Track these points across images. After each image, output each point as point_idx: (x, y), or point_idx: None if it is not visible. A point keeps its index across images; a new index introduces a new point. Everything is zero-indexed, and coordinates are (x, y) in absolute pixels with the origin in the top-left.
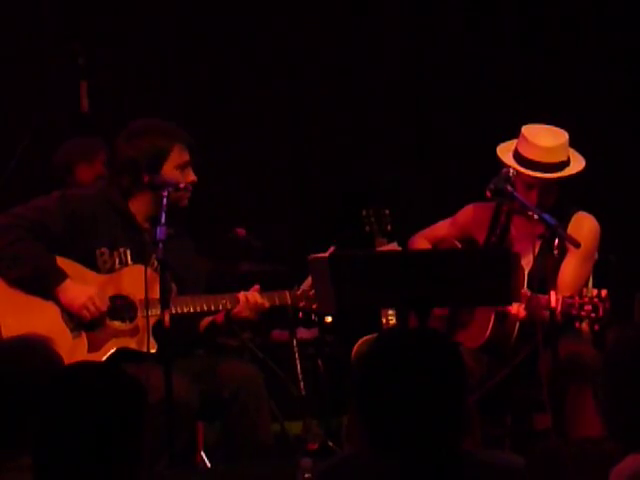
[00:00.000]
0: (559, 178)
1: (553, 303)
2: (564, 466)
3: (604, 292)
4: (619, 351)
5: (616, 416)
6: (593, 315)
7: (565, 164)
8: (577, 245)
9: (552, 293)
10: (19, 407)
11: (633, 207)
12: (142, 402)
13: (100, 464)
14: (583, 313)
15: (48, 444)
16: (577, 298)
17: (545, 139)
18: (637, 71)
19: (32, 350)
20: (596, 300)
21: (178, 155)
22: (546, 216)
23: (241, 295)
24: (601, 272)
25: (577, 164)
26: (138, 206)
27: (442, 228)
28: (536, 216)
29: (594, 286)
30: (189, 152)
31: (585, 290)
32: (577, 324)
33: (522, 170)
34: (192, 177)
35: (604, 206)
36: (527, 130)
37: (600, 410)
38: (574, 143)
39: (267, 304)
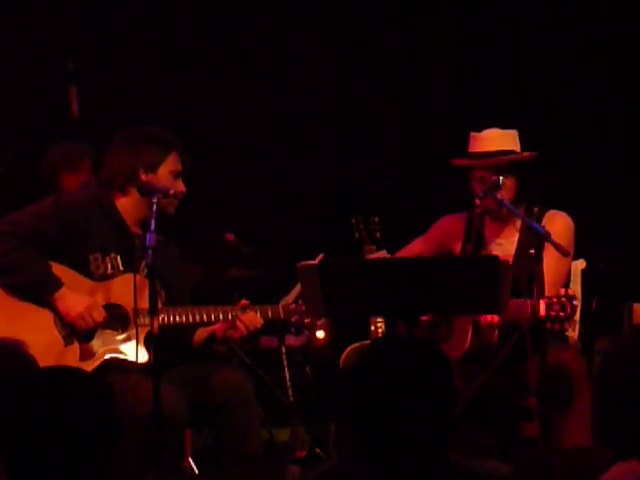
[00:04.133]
0: (501, 162)
1: (542, 312)
2: (552, 474)
3: (570, 290)
4: (613, 359)
5: (607, 423)
6: (562, 314)
7: (514, 154)
8: (567, 254)
9: (541, 302)
10: None
11: (623, 217)
12: (108, 406)
13: (70, 469)
14: (552, 313)
15: (19, 449)
16: (546, 299)
17: (489, 132)
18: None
19: (2, 354)
20: (564, 300)
21: (173, 162)
22: (536, 225)
23: (240, 326)
24: (590, 282)
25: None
26: (128, 206)
27: (417, 246)
28: (526, 224)
29: (583, 296)
30: (182, 164)
31: (554, 290)
32: (548, 325)
33: (464, 162)
34: (182, 187)
35: (593, 216)
36: (474, 132)
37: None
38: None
39: (262, 323)
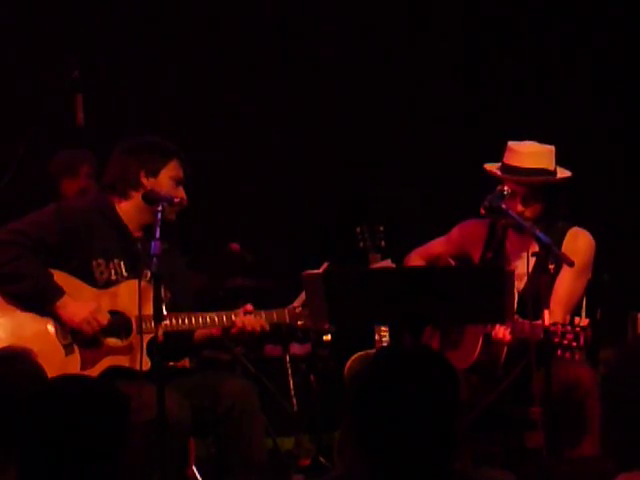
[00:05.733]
0: (535, 182)
1: (547, 322)
2: None
3: (585, 321)
4: (617, 369)
5: (612, 433)
6: (574, 344)
7: (549, 173)
8: (571, 264)
9: (545, 312)
10: (3, 419)
11: (627, 227)
12: (125, 415)
13: (84, 477)
14: (565, 342)
15: (32, 457)
16: (560, 326)
17: (527, 146)
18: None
19: (12, 362)
20: (578, 329)
21: (175, 168)
22: (541, 235)
23: (237, 321)
24: (594, 292)
25: (561, 174)
26: (130, 211)
27: (437, 246)
28: (531, 234)
29: (587, 305)
30: (184, 172)
31: (568, 318)
32: (559, 352)
33: (499, 174)
34: (183, 195)
35: (598, 226)
36: (512, 142)
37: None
38: (568, 164)
39: (267, 328)
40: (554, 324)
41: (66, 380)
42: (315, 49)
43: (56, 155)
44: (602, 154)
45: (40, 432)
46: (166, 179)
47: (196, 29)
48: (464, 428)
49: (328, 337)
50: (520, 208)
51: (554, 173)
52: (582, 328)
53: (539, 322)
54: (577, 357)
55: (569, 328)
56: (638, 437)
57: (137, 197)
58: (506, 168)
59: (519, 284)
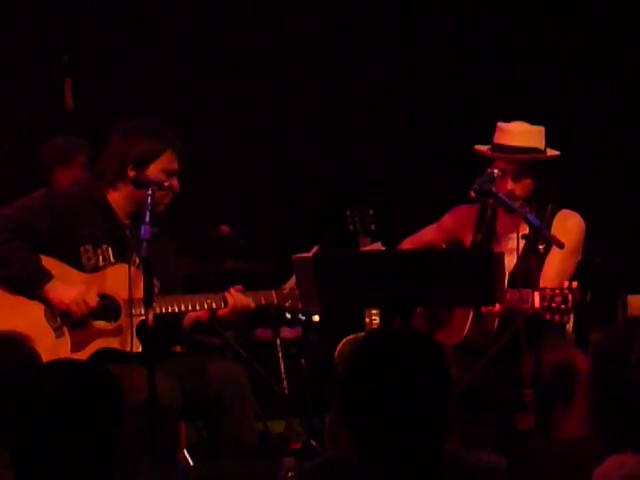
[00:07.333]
0: (525, 160)
1: (537, 304)
2: (546, 466)
3: (574, 284)
4: (606, 351)
5: (602, 415)
6: (563, 307)
7: (539, 152)
8: (561, 246)
9: (536, 294)
10: None
11: (618, 209)
12: (118, 399)
13: (77, 461)
14: (554, 305)
15: (25, 441)
16: (548, 290)
17: (516, 126)
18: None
19: (8, 348)
20: (566, 291)
21: (168, 160)
22: (531, 217)
23: (229, 298)
24: (585, 274)
25: (550, 153)
26: (119, 200)
27: (428, 233)
28: (521, 216)
29: (578, 288)
30: (179, 163)
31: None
32: (548, 315)
33: (488, 153)
34: (176, 185)
35: (589, 208)
36: (502, 123)
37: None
38: (561, 148)
39: (253, 305)
40: (543, 289)
41: (58, 364)
42: (308, 35)
43: (50, 142)
44: (595, 138)
45: (33, 417)
46: (156, 171)
47: (189, 11)
48: (454, 407)
49: (317, 318)
50: (511, 186)
51: (544, 152)
52: (570, 289)
53: (528, 290)
54: (569, 327)
55: (557, 291)
56: (628, 418)
57: (125, 188)
58: (497, 147)
59: (509, 264)
